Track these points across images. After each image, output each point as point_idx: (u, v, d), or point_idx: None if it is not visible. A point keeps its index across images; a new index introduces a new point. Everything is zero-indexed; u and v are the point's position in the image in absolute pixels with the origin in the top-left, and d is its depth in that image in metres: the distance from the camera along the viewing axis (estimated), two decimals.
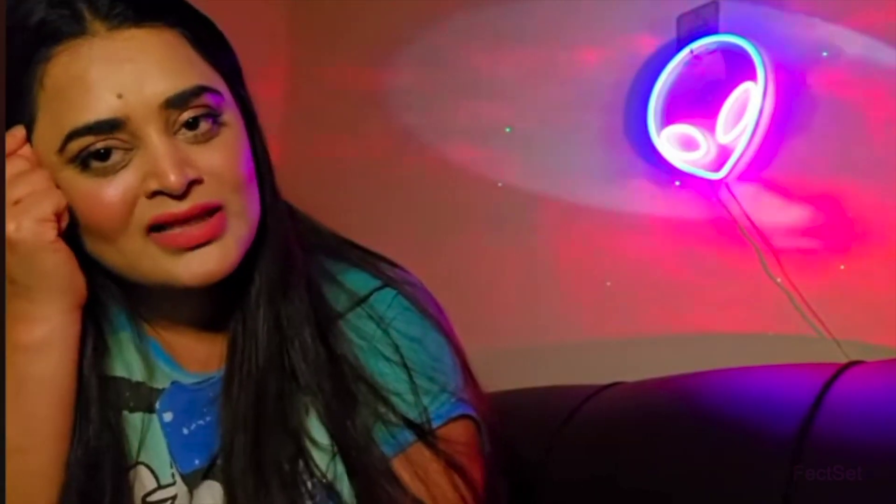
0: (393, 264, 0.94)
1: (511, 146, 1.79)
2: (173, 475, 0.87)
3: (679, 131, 1.59)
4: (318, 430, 0.85)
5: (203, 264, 0.79)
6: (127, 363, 0.89)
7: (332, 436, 0.85)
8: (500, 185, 1.79)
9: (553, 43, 1.75)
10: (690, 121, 1.59)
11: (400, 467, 0.84)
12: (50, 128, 0.77)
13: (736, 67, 1.54)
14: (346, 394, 0.85)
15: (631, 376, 1.29)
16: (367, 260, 0.92)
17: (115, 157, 0.77)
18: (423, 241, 1.79)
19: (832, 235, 1.46)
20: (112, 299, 0.88)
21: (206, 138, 0.79)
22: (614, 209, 1.67)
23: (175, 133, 0.78)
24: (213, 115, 0.79)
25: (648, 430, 1.12)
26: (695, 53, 1.57)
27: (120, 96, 0.76)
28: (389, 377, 0.86)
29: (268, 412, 0.84)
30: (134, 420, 0.87)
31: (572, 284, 1.70)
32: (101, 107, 0.76)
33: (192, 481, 0.87)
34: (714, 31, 1.56)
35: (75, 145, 0.76)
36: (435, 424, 0.85)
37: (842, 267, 1.44)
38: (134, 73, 0.76)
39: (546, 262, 1.73)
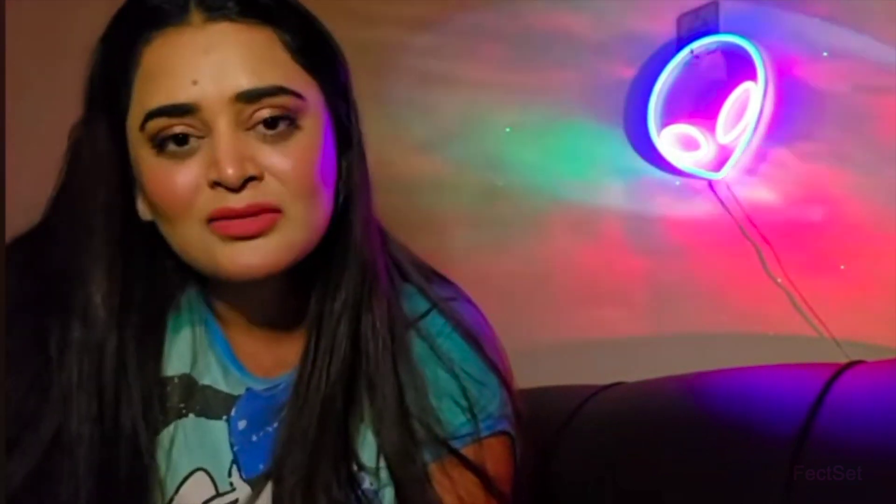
0: (446, 281, 0.97)
1: (511, 146, 1.79)
2: (231, 483, 0.87)
3: (679, 131, 1.59)
4: (367, 447, 0.88)
5: (247, 257, 0.80)
6: (199, 363, 0.90)
7: (379, 448, 0.88)
8: (500, 184, 1.79)
9: (553, 43, 1.75)
10: (690, 121, 1.59)
11: (435, 474, 0.88)
12: (137, 106, 0.80)
13: (736, 67, 1.54)
14: (398, 407, 0.88)
15: (631, 376, 1.29)
16: (421, 279, 0.95)
17: (191, 143, 0.79)
18: (419, 241, 1.79)
19: (832, 235, 1.46)
20: (198, 298, 0.90)
21: (279, 139, 0.80)
22: (614, 209, 1.67)
23: (251, 128, 0.79)
24: (290, 118, 0.80)
25: (648, 430, 1.12)
26: (695, 53, 1.57)
27: (195, 83, 0.78)
28: (435, 395, 0.89)
29: (329, 430, 0.85)
30: (199, 424, 0.88)
31: (572, 284, 1.70)
32: (177, 91, 0.78)
33: (256, 485, 0.88)
34: (714, 31, 1.56)
35: (153, 125, 0.79)
36: (474, 439, 0.89)
37: (842, 267, 1.44)
38: (214, 63, 0.79)
39: (545, 262, 1.73)
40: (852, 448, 0.90)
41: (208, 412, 0.88)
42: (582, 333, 1.67)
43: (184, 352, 0.89)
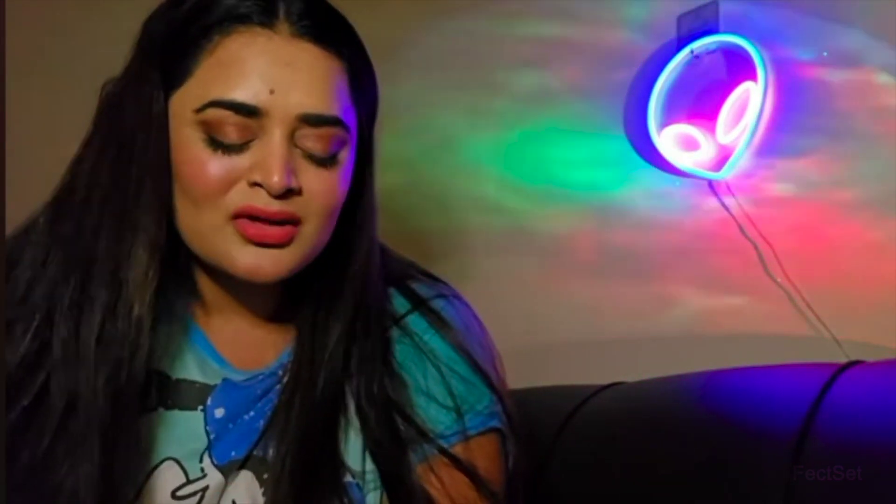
0: (433, 278, 0.98)
1: (510, 146, 1.79)
2: (202, 469, 0.88)
3: (679, 131, 1.59)
4: (353, 450, 0.89)
5: (257, 260, 0.83)
6: (173, 358, 0.90)
7: (366, 449, 0.88)
8: (498, 184, 1.79)
9: (553, 42, 1.75)
10: (690, 121, 1.59)
11: (424, 475, 0.88)
12: (198, 88, 0.82)
13: (736, 67, 1.54)
14: (385, 409, 0.89)
15: (631, 376, 1.29)
16: (406, 279, 0.96)
17: (240, 140, 0.82)
18: (417, 240, 1.79)
19: (832, 235, 1.46)
20: (178, 290, 0.90)
21: (319, 164, 0.84)
22: (614, 209, 1.67)
23: (298, 147, 0.83)
24: (334, 150, 0.85)
25: (648, 430, 1.12)
26: (695, 53, 1.57)
27: (272, 92, 0.81)
28: (422, 394, 0.90)
29: (317, 436, 0.87)
30: (169, 417, 0.88)
31: (572, 284, 1.70)
32: (251, 92, 0.81)
33: (227, 471, 0.88)
34: (714, 31, 1.56)
35: (213, 113, 0.81)
36: (463, 438, 0.90)
37: (842, 266, 1.44)
38: (293, 79, 0.82)
39: (545, 262, 1.73)
40: (852, 448, 0.90)
41: (181, 404, 0.89)
42: (582, 333, 1.67)
43: (156, 348, 0.88)
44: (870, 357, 1.12)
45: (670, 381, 1.21)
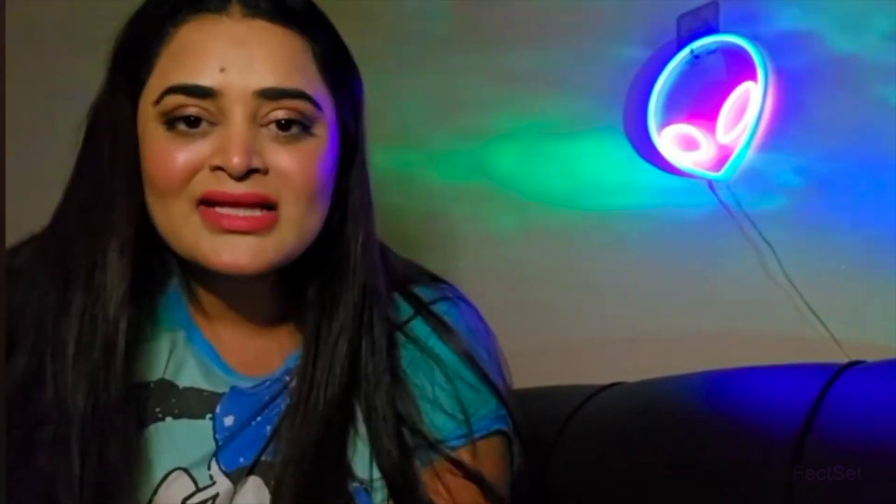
0: (438, 279, 0.97)
1: (510, 146, 1.79)
2: (211, 476, 0.87)
3: (679, 131, 1.59)
4: (360, 457, 0.88)
5: (233, 253, 0.81)
6: (179, 367, 0.89)
7: (375, 460, 0.87)
8: (498, 184, 1.79)
9: (553, 42, 1.75)
10: (690, 121, 1.59)
11: (430, 482, 0.88)
12: (158, 80, 0.82)
13: (736, 67, 1.54)
14: (391, 418, 0.88)
15: (631, 376, 1.29)
16: (410, 283, 0.95)
17: (202, 127, 0.81)
18: (417, 242, 1.79)
19: (832, 235, 1.46)
20: (178, 300, 0.89)
21: (290, 141, 0.82)
22: (614, 209, 1.67)
23: (264, 125, 0.81)
24: (304, 124, 0.82)
25: (648, 430, 1.12)
26: (695, 53, 1.57)
27: (222, 70, 0.80)
28: (427, 399, 0.90)
29: (325, 446, 0.86)
30: (176, 426, 0.87)
31: (572, 284, 1.70)
32: (203, 74, 0.80)
33: (236, 478, 0.88)
34: (714, 31, 1.56)
35: (169, 101, 0.81)
36: (468, 442, 0.89)
37: (842, 267, 1.44)
38: (244, 56, 0.81)
39: (545, 262, 1.73)
40: (852, 448, 0.90)
41: (190, 413, 0.88)
42: (582, 333, 1.67)
43: (161, 358, 0.89)
44: (870, 357, 1.12)
45: (670, 381, 1.21)
